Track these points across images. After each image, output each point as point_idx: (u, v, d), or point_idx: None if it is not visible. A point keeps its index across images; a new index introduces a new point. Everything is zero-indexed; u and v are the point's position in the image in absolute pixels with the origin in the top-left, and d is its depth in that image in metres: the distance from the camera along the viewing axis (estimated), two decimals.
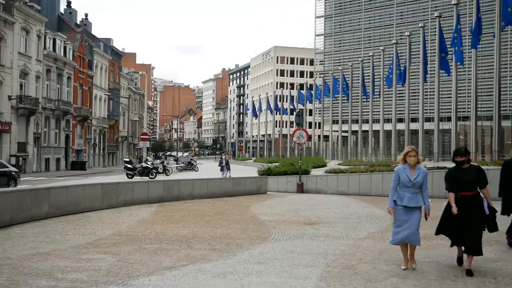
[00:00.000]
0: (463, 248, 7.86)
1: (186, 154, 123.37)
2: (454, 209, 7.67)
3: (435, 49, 33.33)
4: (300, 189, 24.64)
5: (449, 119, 38.48)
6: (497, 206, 8.50)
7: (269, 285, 6.91)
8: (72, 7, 71.40)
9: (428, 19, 56.77)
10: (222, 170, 30.58)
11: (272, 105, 76.02)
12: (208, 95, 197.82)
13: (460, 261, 8.06)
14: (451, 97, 32.52)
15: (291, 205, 18.07)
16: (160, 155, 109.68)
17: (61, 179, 36.18)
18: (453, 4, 31.01)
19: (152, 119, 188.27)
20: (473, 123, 29.00)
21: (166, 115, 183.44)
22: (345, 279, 7.30)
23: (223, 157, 33.44)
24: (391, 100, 39.94)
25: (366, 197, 21.36)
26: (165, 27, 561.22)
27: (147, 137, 59.76)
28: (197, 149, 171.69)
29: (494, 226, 7.93)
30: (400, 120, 43.01)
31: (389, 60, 41.55)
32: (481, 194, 7.84)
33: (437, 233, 8.23)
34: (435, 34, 32.82)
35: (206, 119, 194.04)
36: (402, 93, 40.92)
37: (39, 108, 49.19)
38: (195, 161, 58.05)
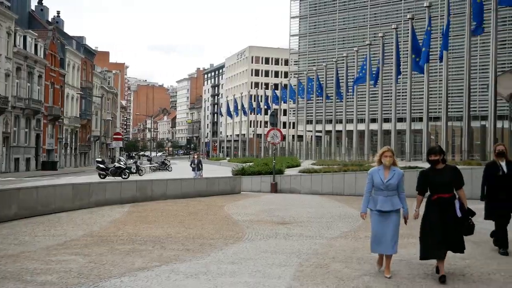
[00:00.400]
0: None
1: (159, 154, 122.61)
2: (416, 214, 7.40)
3: (407, 50, 33.71)
4: (274, 189, 24.69)
5: (420, 119, 38.96)
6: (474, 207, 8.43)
7: (242, 285, 6.90)
8: (44, 4, 70.25)
9: (401, 21, 57.40)
10: (194, 170, 30.35)
11: (246, 105, 76.03)
12: (182, 94, 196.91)
13: (443, 278, 7.17)
14: (422, 97, 32.93)
15: (265, 205, 18.09)
16: (133, 155, 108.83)
17: (31, 179, 35.62)
18: (425, 7, 31.42)
19: (125, 118, 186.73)
20: (444, 124, 29.42)
21: (139, 114, 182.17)
22: (318, 278, 7.33)
23: (195, 156, 33.24)
24: (365, 100, 40.28)
25: (339, 197, 21.50)
26: (140, 26, 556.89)
27: (120, 136, 59.22)
28: (171, 149, 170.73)
29: (468, 229, 7.46)
30: (373, 120, 43.39)
31: (363, 61, 41.88)
32: (456, 195, 7.46)
33: (423, 257, 7.44)
34: (408, 36, 33.18)
35: (180, 119, 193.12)
36: (375, 93, 41.26)
37: (8, 107, 48.32)
38: (169, 161, 57.71)
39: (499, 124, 32.04)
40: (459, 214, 7.29)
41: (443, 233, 7.20)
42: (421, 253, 7.43)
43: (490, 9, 24.82)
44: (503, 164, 9.29)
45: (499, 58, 31.06)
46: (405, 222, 7.48)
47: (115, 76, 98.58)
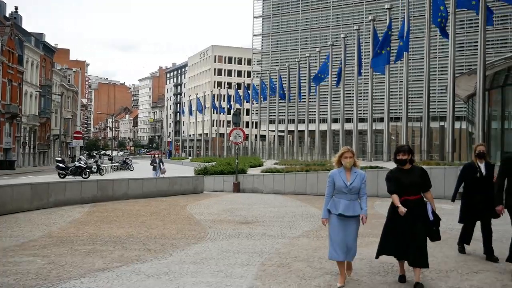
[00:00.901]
0: (405, 263, 7.11)
1: (121, 153, 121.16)
2: (402, 209, 6.78)
3: (369, 51, 34.18)
4: (237, 188, 24.69)
5: (381, 120, 39.62)
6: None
7: (204, 285, 6.88)
8: (1, 0, 68.56)
9: (363, 22, 58.18)
10: (154, 169, 29.99)
11: (209, 104, 75.82)
12: (144, 93, 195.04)
13: (402, 278, 7.13)
14: (384, 98, 33.44)
15: (228, 204, 18.07)
16: (94, 154, 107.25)
17: None
18: (386, 9, 31.94)
19: (86, 117, 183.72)
20: (404, 124, 29.95)
21: (100, 113, 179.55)
22: (280, 277, 7.36)
23: (156, 156, 32.86)
24: (327, 100, 40.68)
25: (301, 196, 21.64)
26: (100, 23, 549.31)
27: (81, 135, 58.20)
28: (132, 148, 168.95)
29: (437, 234, 7.15)
30: (335, 121, 43.86)
31: (325, 59, 42.25)
32: (424, 198, 7.09)
33: (378, 255, 7.24)
34: (370, 37, 33.65)
35: (142, 118, 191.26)
36: (338, 94, 41.75)
37: None
38: (130, 160, 57.07)
39: (457, 125, 32.83)
40: (431, 217, 6.95)
41: (405, 239, 6.86)
42: (378, 250, 7.23)
43: (449, 12, 25.36)
44: (482, 165, 8.92)
45: (457, 60, 31.77)
46: (363, 222, 7.02)
47: (76, 74, 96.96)
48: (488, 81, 26.03)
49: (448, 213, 15.01)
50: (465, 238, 9.22)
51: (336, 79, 39.33)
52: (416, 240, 6.79)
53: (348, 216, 6.89)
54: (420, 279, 6.88)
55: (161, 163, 30.43)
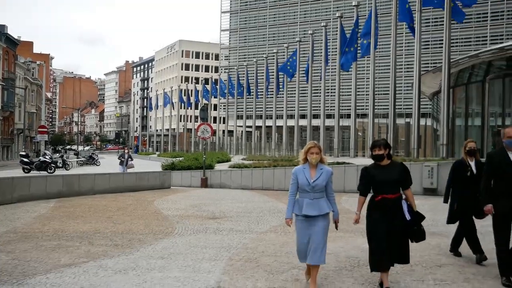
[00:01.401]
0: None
1: (87, 148, 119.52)
2: (356, 218, 6.62)
3: (336, 48, 34.46)
4: (204, 183, 24.66)
5: (348, 116, 39.99)
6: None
7: (172, 280, 6.87)
8: None
9: (330, 19, 58.57)
10: (121, 164, 29.52)
11: (176, 99, 75.35)
12: (110, 87, 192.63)
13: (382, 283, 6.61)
14: (350, 95, 33.78)
15: (195, 200, 18.04)
16: (60, 149, 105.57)
17: None
18: (353, 6, 32.23)
19: (51, 111, 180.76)
20: (371, 121, 30.31)
21: (66, 107, 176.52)
22: (247, 271, 7.40)
23: (125, 151, 32.47)
24: (294, 96, 40.87)
25: (269, 192, 21.74)
26: (65, 16, 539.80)
27: (45, 130, 57.22)
28: (99, 143, 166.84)
29: (419, 234, 6.63)
30: (303, 116, 44.11)
31: (292, 55, 42.42)
32: (402, 196, 6.62)
33: (372, 269, 6.65)
34: (337, 34, 33.91)
35: (108, 112, 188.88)
36: (305, 90, 41.95)
37: None
38: (97, 155, 56.42)
39: (422, 122, 33.39)
40: (408, 217, 6.45)
41: (387, 241, 6.38)
42: (370, 264, 6.63)
43: (415, 10, 25.74)
44: (472, 163, 8.35)
45: (423, 58, 32.26)
46: (336, 227, 6.59)
47: (40, 67, 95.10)
48: (452, 79, 26.54)
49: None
50: (459, 241, 8.63)
51: (304, 75, 39.54)
52: (394, 237, 6.39)
53: (313, 216, 6.33)
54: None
55: (129, 159, 30.04)
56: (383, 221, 6.37)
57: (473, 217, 8.31)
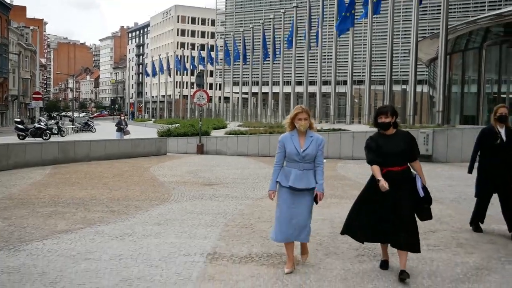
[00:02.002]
0: (389, 245, 6.00)
1: (82, 114, 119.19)
2: (384, 184, 5.59)
3: (333, 13, 34.11)
4: (200, 150, 24.67)
5: (345, 82, 39.86)
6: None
7: (168, 246, 6.92)
8: None
9: None
10: (119, 130, 29.35)
11: (172, 66, 74.82)
12: (105, 53, 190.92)
13: (385, 264, 6.08)
14: (347, 61, 33.58)
15: (191, 166, 18.08)
16: (55, 115, 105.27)
17: None
18: None
19: (45, 77, 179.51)
20: (367, 87, 30.23)
21: (60, 73, 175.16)
22: (243, 237, 7.46)
23: (122, 117, 32.26)
24: (291, 63, 40.60)
25: (265, 158, 21.78)
26: None
27: (40, 96, 56.69)
28: (94, 109, 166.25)
29: (428, 212, 5.91)
30: (299, 83, 43.94)
31: (290, 23, 42.05)
32: (412, 169, 5.93)
33: (344, 231, 6.08)
34: None
35: (103, 79, 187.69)
36: (302, 56, 41.66)
37: None
38: (92, 122, 56.29)
39: (418, 89, 33.30)
40: (421, 193, 5.74)
41: (383, 219, 5.75)
42: (344, 226, 6.09)
43: None
44: (502, 131, 7.63)
45: (420, 24, 32.01)
46: (316, 202, 5.88)
47: (33, 33, 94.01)
48: (449, 45, 26.38)
49: None
50: (480, 214, 7.97)
51: (301, 41, 39.21)
52: (403, 220, 5.62)
53: (301, 189, 5.77)
54: (407, 266, 5.84)
55: (126, 125, 29.90)
56: (388, 197, 5.65)
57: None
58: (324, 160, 6.06)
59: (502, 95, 24.74)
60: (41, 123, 35.16)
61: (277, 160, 5.96)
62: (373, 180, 5.88)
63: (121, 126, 28.87)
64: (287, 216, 5.80)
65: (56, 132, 37.30)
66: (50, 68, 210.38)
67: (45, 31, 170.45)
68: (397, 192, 5.66)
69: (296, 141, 5.81)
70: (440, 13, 24.60)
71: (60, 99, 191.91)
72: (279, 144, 5.90)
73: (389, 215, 5.69)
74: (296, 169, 5.79)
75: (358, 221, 5.93)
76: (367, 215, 5.86)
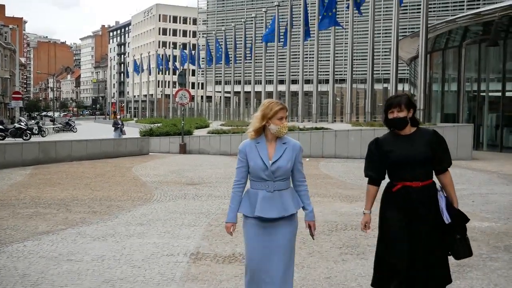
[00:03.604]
0: None
1: (63, 114, 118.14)
2: (366, 220, 4.20)
3: (315, 12, 34.20)
4: (183, 149, 24.59)
5: (327, 81, 40.03)
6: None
7: (151, 246, 6.89)
8: None
9: None
10: (115, 130, 29.42)
11: (154, 65, 74.43)
12: (86, 52, 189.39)
13: None
14: (329, 60, 33.71)
15: (174, 165, 18.02)
16: (35, 115, 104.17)
17: None
18: None
19: (25, 77, 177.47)
20: (349, 86, 30.38)
21: (41, 73, 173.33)
22: (226, 237, 7.43)
23: (118, 117, 32.35)
24: (273, 62, 40.65)
25: None
26: None
27: (20, 96, 56.12)
28: (75, 109, 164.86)
29: (464, 246, 4.04)
30: (281, 82, 44.01)
31: (271, 22, 42.07)
32: (437, 185, 4.09)
33: (375, 284, 4.19)
34: None
35: (85, 78, 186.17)
36: (283, 55, 41.74)
37: None
38: (73, 122, 55.84)
39: (400, 87, 33.55)
40: (446, 218, 3.98)
41: (410, 254, 3.96)
42: (374, 279, 4.22)
43: None
44: None
45: (401, 23, 32.24)
46: (312, 236, 4.38)
47: (13, 32, 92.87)
48: (430, 44, 26.61)
49: None
50: None
51: (283, 40, 39.28)
52: (428, 258, 3.97)
53: (272, 220, 3.98)
54: None
55: (122, 124, 30.07)
56: (405, 225, 3.99)
57: None
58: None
59: (481, 93, 25.02)
60: (21, 123, 34.84)
61: (236, 179, 4.14)
62: (385, 204, 4.15)
63: (118, 126, 29.03)
64: (256, 261, 3.98)
65: (36, 132, 36.98)
66: (30, 67, 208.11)
67: (24, 30, 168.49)
68: (418, 220, 3.97)
69: (263, 150, 4.00)
70: (420, 12, 24.80)
71: (41, 98, 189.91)
72: (239, 155, 4.10)
73: (406, 253, 3.96)
74: (264, 190, 3.98)
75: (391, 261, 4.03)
76: (391, 253, 4.03)
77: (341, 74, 48.42)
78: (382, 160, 4.14)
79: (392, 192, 4.10)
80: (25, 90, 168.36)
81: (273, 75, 40.95)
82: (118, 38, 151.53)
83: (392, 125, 4.15)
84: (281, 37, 39.72)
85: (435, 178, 4.12)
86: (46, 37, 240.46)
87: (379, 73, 50.03)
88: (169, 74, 69.93)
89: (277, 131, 3.99)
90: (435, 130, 4.15)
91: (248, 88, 47.84)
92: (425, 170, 4.04)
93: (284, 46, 38.20)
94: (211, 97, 59.57)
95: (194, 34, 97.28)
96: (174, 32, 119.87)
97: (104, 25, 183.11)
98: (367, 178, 4.30)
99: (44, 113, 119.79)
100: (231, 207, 4.25)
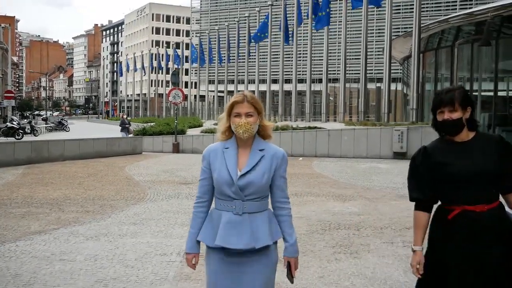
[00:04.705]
0: None
1: (56, 113, 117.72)
2: (417, 258, 3.16)
3: (308, 11, 34.21)
4: (176, 149, 24.55)
5: (320, 81, 40.07)
6: None
7: (144, 246, 6.87)
8: None
9: None
10: (123, 130, 29.49)
11: (147, 64, 74.27)
12: (79, 51, 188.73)
13: None
14: (322, 59, 33.75)
15: (167, 165, 17.98)
16: (28, 114, 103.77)
17: None
18: None
19: (17, 76, 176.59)
20: (342, 85, 30.43)
21: (33, 72, 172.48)
22: None
23: (125, 116, 32.47)
24: (266, 61, 40.66)
25: None
26: None
27: (12, 95, 55.89)
28: (68, 108, 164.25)
29: None
30: (275, 81, 44.03)
31: (264, 18, 42.06)
32: (507, 208, 3.08)
33: None
34: None
35: (77, 77, 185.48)
36: (277, 55, 41.74)
37: None
38: (66, 121, 55.65)
39: (393, 87, 33.64)
40: None
41: None
42: None
43: None
44: None
45: (394, 23, 32.29)
46: (291, 279, 3.24)
47: (5, 30, 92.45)
48: (422, 44, 26.68)
49: (384, 172, 15.53)
50: None
51: (276, 40, 39.30)
52: None
53: (241, 253, 2.99)
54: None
55: (128, 124, 30.18)
56: (467, 261, 2.97)
57: None
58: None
59: (474, 93, 25.11)
60: (14, 122, 34.71)
61: (198, 195, 3.19)
62: (436, 235, 3.12)
63: (126, 125, 29.14)
64: None
65: (29, 131, 36.84)
66: (22, 66, 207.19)
67: (17, 29, 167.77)
68: (484, 254, 2.94)
69: (230, 158, 3.03)
70: (413, 12, 24.87)
71: (33, 98, 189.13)
72: (202, 164, 3.14)
73: None
74: (230, 211, 3.01)
75: None
76: None
77: (335, 74, 48.47)
78: (433, 176, 3.07)
79: (447, 221, 3.02)
80: (17, 89, 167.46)
81: (266, 74, 40.96)
82: (111, 37, 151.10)
83: (442, 129, 3.11)
84: (273, 36, 39.69)
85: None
86: (39, 36, 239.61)
87: (372, 73, 50.11)
88: (162, 73, 69.83)
89: (237, 131, 3.01)
90: (501, 136, 3.15)
91: (241, 87, 47.81)
92: (491, 189, 3.02)
93: (287, 42, 37.99)
94: (204, 96, 59.51)
95: (188, 33, 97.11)
96: (168, 31, 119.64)
97: (97, 24, 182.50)
98: (417, 213, 3.16)
99: (36, 113, 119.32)
100: (190, 233, 3.18)
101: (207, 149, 3.15)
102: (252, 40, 42.03)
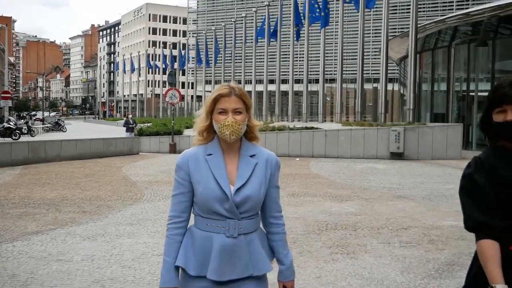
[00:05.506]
0: None
1: (53, 114, 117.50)
2: None
3: (305, 12, 34.21)
4: (173, 149, 24.53)
5: (317, 81, 40.06)
6: None
7: (141, 246, 6.87)
8: None
9: None
10: (128, 130, 29.45)
11: (144, 64, 74.23)
12: (76, 52, 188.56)
13: None
14: (319, 60, 33.77)
15: (164, 165, 17.97)
16: (24, 115, 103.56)
17: None
18: None
19: (14, 76, 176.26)
20: (339, 86, 30.45)
21: (30, 72, 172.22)
22: None
23: (130, 116, 32.43)
24: (263, 61, 40.67)
25: None
26: None
27: (9, 95, 55.76)
28: (65, 108, 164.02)
29: None
30: (271, 82, 44.07)
31: (262, 21, 42.08)
32: None
33: None
34: None
35: (74, 78, 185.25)
36: (274, 55, 41.79)
37: None
38: (63, 121, 55.56)
39: (389, 87, 33.70)
40: None
41: None
42: None
43: None
44: None
45: (391, 23, 32.32)
46: None
47: (1, 31, 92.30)
48: (419, 44, 26.73)
49: (381, 172, 15.56)
50: None
51: (273, 40, 39.30)
52: None
53: (230, 282, 2.46)
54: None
55: (134, 124, 30.13)
56: None
57: None
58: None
59: (470, 93, 25.17)
60: (10, 123, 34.64)
61: (173, 214, 2.62)
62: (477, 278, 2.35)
63: (130, 125, 29.07)
64: None
65: (26, 131, 36.78)
66: (19, 66, 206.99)
67: (13, 29, 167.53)
68: None
69: (218, 166, 2.47)
70: (409, 12, 24.91)
71: (30, 98, 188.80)
72: (176, 175, 2.54)
73: None
74: (223, 234, 2.44)
75: None
76: None
77: (331, 74, 48.46)
78: (499, 194, 2.21)
79: (508, 251, 2.21)
80: (14, 90, 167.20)
81: (263, 75, 40.98)
82: (108, 37, 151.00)
83: (504, 133, 2.26)
84: (271, 36, 39.70)
85: None
86: (36, 36, 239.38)
87: (369, 73, 50.16)
88: (159, 73, 69.77)
89: (220, 133, 2.45)
90: None
91: None
92: None
93: (280, 43, 38.10)
94: (201, 96, 59.46)
95: (184, 33, 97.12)
96: (164, 32, 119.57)
97: (93, 25, 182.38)
98: (482, 242, 2.25)
99: (33, 113, 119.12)
100: (166, 262, 2.51)
101: (183, 156, 2.52)
102: (258, 36, 41.74)
